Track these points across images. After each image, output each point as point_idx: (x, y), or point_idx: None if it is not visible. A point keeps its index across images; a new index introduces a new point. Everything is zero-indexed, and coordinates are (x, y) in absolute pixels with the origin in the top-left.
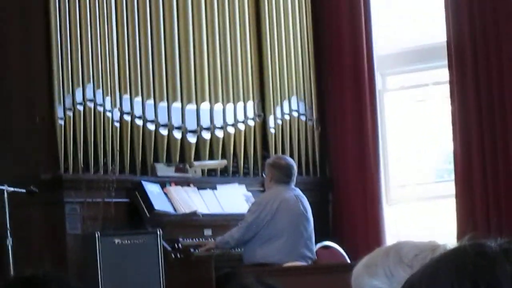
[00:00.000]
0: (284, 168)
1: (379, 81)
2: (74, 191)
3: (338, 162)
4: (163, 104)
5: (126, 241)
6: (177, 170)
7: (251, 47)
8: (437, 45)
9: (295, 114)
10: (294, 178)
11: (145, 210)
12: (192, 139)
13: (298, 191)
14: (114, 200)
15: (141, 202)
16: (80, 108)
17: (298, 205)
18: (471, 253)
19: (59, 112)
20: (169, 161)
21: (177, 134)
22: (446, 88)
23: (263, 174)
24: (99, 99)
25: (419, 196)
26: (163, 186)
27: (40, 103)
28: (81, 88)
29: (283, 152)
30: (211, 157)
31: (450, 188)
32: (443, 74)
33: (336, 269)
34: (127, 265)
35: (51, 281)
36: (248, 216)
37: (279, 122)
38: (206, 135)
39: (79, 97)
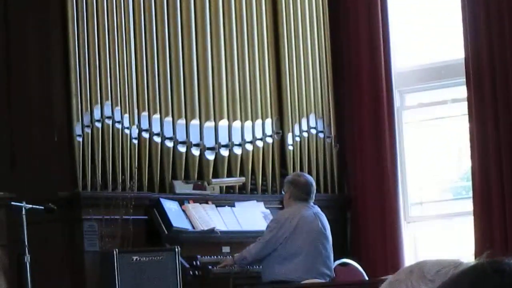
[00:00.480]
0: (303, 186)
1: (397, 98)
2: (92, 208)
3: (356, 179)
4: (181, 122)
5: (144, 258)
6: (195, 187)
7: (270, 65)
8: (455, 63)
9: (313, 131)
10: (313, 196)
11: (163, 227)
12: (210, 156)
13: (317, 209)
14: (132, 217)
15: (159, 219)
16: (99, 125)
17: (316, 223)
18: (488, 270)
19: (77, 130)
20: (187, 179)
21: (196, 152)
22: (464, 105)
23: (282, 191)
24: (117, 117)
25: (437, 214)
26: (181, 203)
27: (58, 121)
28: (99, 106)
29: (301, 169)
30: (229, 174)
31: (468, 205)
32: (462, 91)
33: (354, 287)
34: (145, 282)
35: None
36: (266, 233)
37: (297, 139)
38: (225, 153)
39: (97, 115)
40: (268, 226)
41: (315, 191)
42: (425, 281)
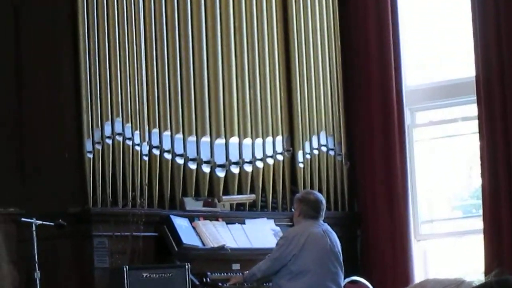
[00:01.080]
0: (313, 203)
1: (408, 116)
2: (102, 224)
3: (366, 197)
4: (192, 138)
5: (154, 275)
6: (206, 204)
7: (280, 82)
8: (466, 81)
9: (324, 149)
10: (323, 213)
11: (173, 244)
12: (221, 173)
13: (327, 226)
14: (142, 234)
15: (170, 236)
16: (109, 142)
17: (325, 240)
18: None
19: (88, 146)
20: (197, 195)
21: (206, 169)
22: (475, 123)
23: (292, 209)
24: (128, 133)
25: (447, 232)
26: (191, 220)
27: (69, 137)
28: (110, 122)
29: (312, 187)
30: (240, 191)
31: (477, 223)
32: (472, 109)
33: None
34: None
35: None
36: (275, 250)
37: (308, 157)
38: (235, 170)
39: (108, 131)
40: (277, 243)
41: (325, 208)
42: None
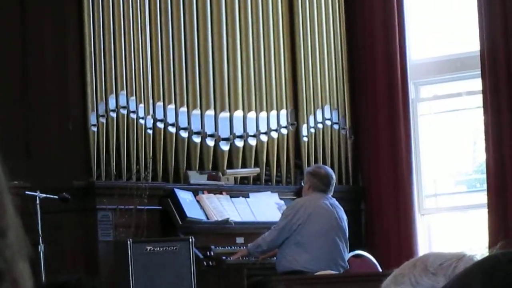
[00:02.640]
0: (323, 177)
1: (412, 90)
2: (107, 198)
3: (370, 171)
4: (196, 112)
5: (158, 249)
6: (210, 178)
7: (285, 56)
8: (470, 55)
9: (328, 123)
10: (332, 189)
11: (177, 218)
12: (225, 147)
13: (335, 201)
14: (146, 207)
15: (174, 209)
16: (113, 115)
17: (333, 214)
18: (503, 260)
19: (92, 119)
20: (201, 169)
21: (210, 142)
22: (479, 98)
23: (302, 183)
24: (132, 107)
25: (451, 206)
26: (195, 193)
27: (73, 110)
28: (114, 96)
29: (316, 161)
30: (244, 165)
31: (482, 198)
32: (477, 84)
33: (368, 278)
34: (159, 272)
35: (84, 287)
36: (281, 219)
37: (312, 131)
38: (239, 143)
39: (112, 104)
40: (283, 213)
41: (334, 184)
42: (428, 274)
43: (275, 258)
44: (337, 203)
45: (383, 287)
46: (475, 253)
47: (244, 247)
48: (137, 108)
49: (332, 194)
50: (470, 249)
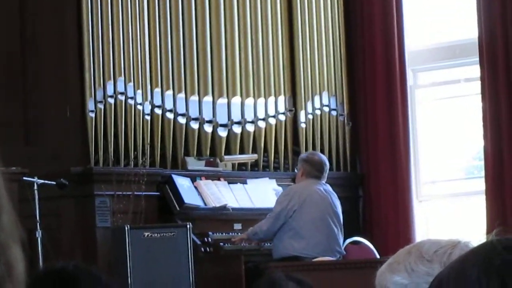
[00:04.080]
0: (317, 164)
1: (410, 77)
2: (104, 184)
3: (368, 157)
4: (194, 98)
5: (156, 235)
6: (208, 164)
7: (283, 42)
8: (468, 42)
9: (326, 109)
10: (326, 175)
11: (175, 204)
12: (223, 133)
13: (328, 187)
14: (144, 193)
15: (171, 195)
16: (111, 101)
17: (327, 198)
18: (498, 247)
19: (90, 105)
20: (199, 155)
21: (208, 128)
22: (478, 85)
23: (295, 169)
24: (130, 93)
25: (449, 193)
26: (193, 180)
27: (71, 96)
28: (112, 82)
29: (314, 147)
30: (242, 151)
31: (480, 185)
32: (475, 70)
33: (365, 265)
34: (156, 258)
35: (81, 273)
36: (276, 206)
37: (310, 117)
38: (237, 129)
39: (110, 91)
40: (277, 200)
41: (328, 171)
42: (423, 262)
43: (271, 244)
44: (330, 189)
45: (378, 274)
46: (470, 240)
47: (243, 233)
48: (135, 94)
49: (325, 180)
50: (467, 235)
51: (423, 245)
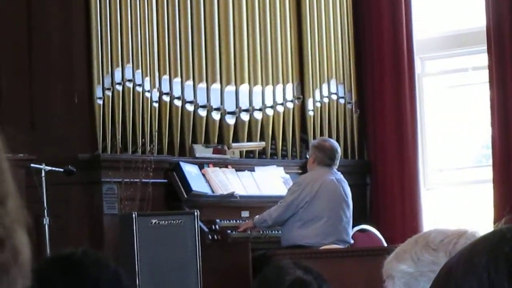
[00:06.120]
0: (328, 151)
1: (418, 65)
2: (112, 171)
3: (376, 145)
4: (202, 85)
5: (163, 222)
6: (215, 151)
7: (291, 30)
8: (476, 30)
9: (334, 97)
10: (337, 162)
11: (183, 191)
12: (230, 120)
13: (340, 175)
14: (151, 180)
15: (179, 183)
16: (119, 88)
17: (339, 189)
18: (508, 235)
19: (98, 92)
20: (207, 143)
21: (216, 116)
22: (485, 73)
23: (307, 156)
24: (138, 80)
25: (456, 181)
26: (201, 167)
27: (79, 83)
28: (120, 69)
29: (321, 135)
30: (250, 139)
31: (487, 173)
32: (483, 59)
33: (373, 253)
34: (164, 245)
35: (89, 260)
36: (288, 196)
37: (318, 105)
38: (245, 117)
39: (118, 78)
40: (289, 189)
41: (339, 157)
42: (429, 251)
43: (278, 232)
44: (342, 177)
45: (385, 263)
46: (477, 230)
47: (249, 220)
48: (143, 81)
49: (337, 167)
50: (475, 224)
51: (430, 234)
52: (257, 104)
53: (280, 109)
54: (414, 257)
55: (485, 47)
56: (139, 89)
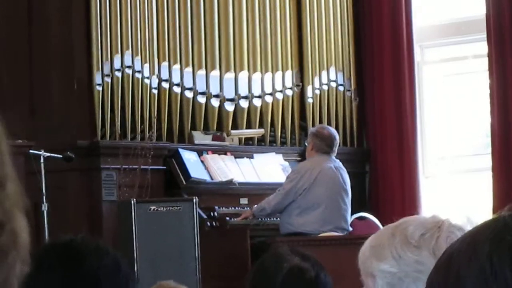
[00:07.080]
0: (327, 138)
1: (418, 53)
2: (111, 157)
3: (375, 133)
4: (201, 72)
5: (162, 209)
6: (214, 138)
7: (291, 17)
8: (476, 18)
9: (333, 84)
10: (336, 149)
11: (182, 178)
12: (230, 107)
13: (339, 163)
14: (150, 167)
15: (178, 169)
16: (119, 74)
17: (337, 177)
18: (510, 223)
19: (97, 79)
20: (206, 129)
21: (215, 103)
22: (485, 61)
23: (305, 143)
24: (137, 66)
25: (456, 169)
26: (200, 154)
27: (78, 70)
28: (119, 55)
29: (321, 122)
30: (249, 126)
31: (487, 161)
32: (483, 47)
33: None
34: (162, 232)
35: (88, 246)
36: (286, 183)
37: (317, 92)
38: (244, 104)
39: (117, 64)
40: (288, 177)
41: (338, 145)
42: (410, 248)
43: (277, 219)
44: (341, 165)
45: (362, 259)
46: (450, 218)
47: (248, 208)
48: (142, 68)
49: (335, 155)
50: (474, 212)
51: (407, 227)
52: (257, 91)
53: (279, 96)
54: (395, 255)
55: (485, 35)
56: (138, 75)
